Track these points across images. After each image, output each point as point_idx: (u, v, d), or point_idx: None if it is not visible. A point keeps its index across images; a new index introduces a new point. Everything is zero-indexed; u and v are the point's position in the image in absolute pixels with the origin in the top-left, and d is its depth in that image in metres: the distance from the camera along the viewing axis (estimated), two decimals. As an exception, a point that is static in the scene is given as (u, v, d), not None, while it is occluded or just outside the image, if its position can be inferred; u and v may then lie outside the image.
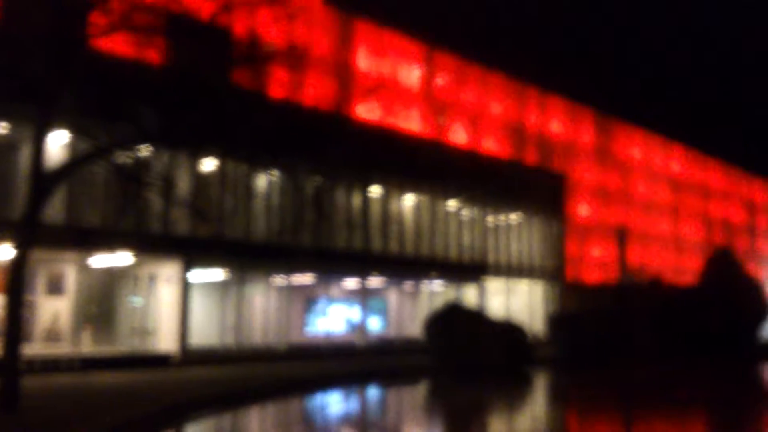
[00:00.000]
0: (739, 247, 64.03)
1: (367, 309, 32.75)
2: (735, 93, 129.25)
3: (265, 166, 19.56)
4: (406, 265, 33.72)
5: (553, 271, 42.63)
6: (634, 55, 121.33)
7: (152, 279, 26.25)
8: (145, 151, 15.46)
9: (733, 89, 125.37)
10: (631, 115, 56.45)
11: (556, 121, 48.10)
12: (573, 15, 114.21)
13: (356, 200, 31.90)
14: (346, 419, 17.36)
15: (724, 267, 37.34)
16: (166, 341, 24.96)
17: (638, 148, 56.61)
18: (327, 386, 21.88)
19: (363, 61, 34.63)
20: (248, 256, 27.18)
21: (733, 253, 41.27)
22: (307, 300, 31.52)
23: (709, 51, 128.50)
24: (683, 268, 58.30)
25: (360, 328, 32.25)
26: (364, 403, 20.94)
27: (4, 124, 21.42)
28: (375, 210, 32.71)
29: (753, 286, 37.04)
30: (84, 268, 25.80)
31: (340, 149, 23.47)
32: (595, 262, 49.26)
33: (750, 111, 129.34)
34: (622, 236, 51.94)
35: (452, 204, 36.76)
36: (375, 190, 32.79)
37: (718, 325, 32.27)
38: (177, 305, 24.86)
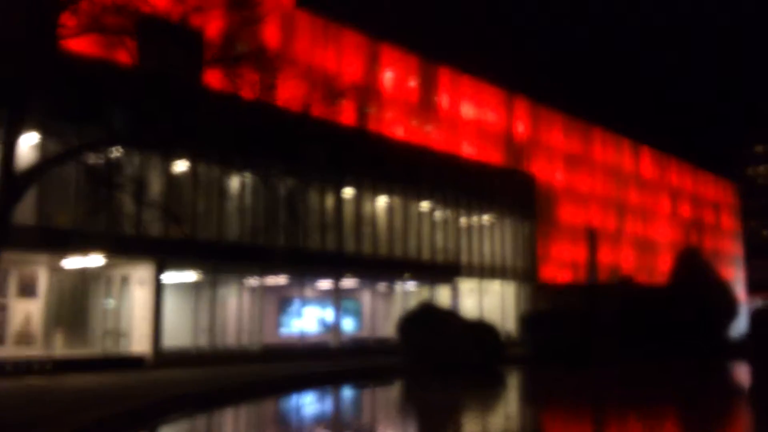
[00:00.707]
0: (707, 247, 65.18)
1: (341, 310, 32.78)
2: (704, 96, 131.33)
3: (238, 167, 19.53)
4: (380, 267, 33.79)
5: (525, 272, 42.96)
6: (606, 58, 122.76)
7: (125, 281, 26.07)
8: (116, 152, 15.35)
9: (704, 93, 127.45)
10: (600, 119, 57.23)
11: (527, 125, 48.63)
12: (546, 20, 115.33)
13: (329, 202, 31.91)
14: (319, 420, 17.40)
15: (692, 266, 37.90)
16: (139, 343, 24.80)
17: (609, 151, 57.35)
18: (301, 387, 21.89)
19: (336, 63, 34.80)
20: (221, 258, 27.09)
21: (700, 253, 41.98)
22: (281, 301, 31.48)
23: (681, 53, 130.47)
24: (653, 268, 59.17)
25: (334, 328, 32.27)
26: (338, 404, 20.99)
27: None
28: (348, 211, 32.76)
29: (721, 284, 37.66)
30: (56, 270, 25.57)
31: (313, 151, 23.54)
32: (567, 263, 49.78)
33: (719, 114, 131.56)
34: (592, 237, 52.59)
35: (425, 205, 36.93)
36: (348, 192, 32.85)
37: (687, 323, 32.70)
38: (150, 307, 24.71)
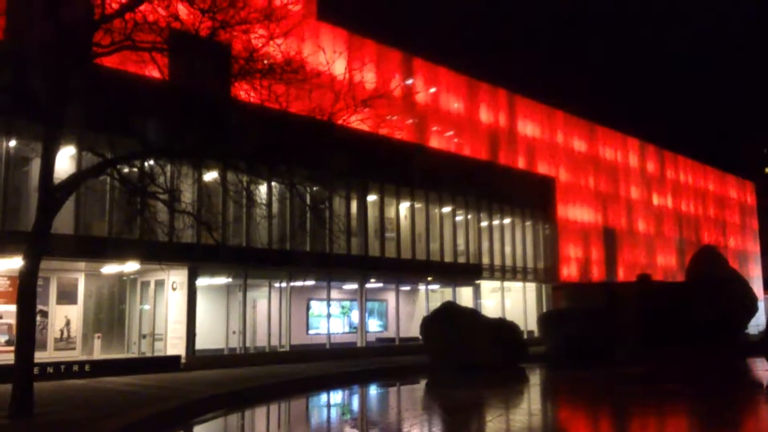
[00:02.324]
0: (725, 245, 64.28)
1: (366, 311, 32.84)
2: (725, 97, 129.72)
3: (265, 175, 19.64)
4: (404, 269, 33.79)
5: (545, 271, 42.74)
6: (615, 63, 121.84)
7: (159, 286, 26.36)
8: (149, 163, 15.54)
9: (724, 94, 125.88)
10: (618, 122, 56.79)
11: (545, 128, 48.37)
12: (560, 25, 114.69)
13: (354, 207, 32.03)
14: (347, 416, 17.43)
15: (710, 264, 37.25)
16: (173, 345, 25.04)
17: (628, 153, 56.81)
18: (330, 385, 21.97)
19: (358, 73, 34.82)
20: (251, 263, 27.28)
21: (718, 250, 41.27)
22: (309, 303, 31.62)
23: (694, 53, 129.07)
24: (670, 266, 58.46)
25: (360, 329, 32.33)
26: (365, 401, 20.98)
27: (14, 140, 21.58)
28: (372, 216, 32.84)
29: (739, 282, 36.89)
30: (94, 277, 25.96)
31: (338, 158, 23.53)
32: (586, 262, 49.37)
33: (739, 114, 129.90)
34: (610, 237, 52.11)
35: (446, 209, 36.90)
36: (372, 197, 32.93)
37: (706, 321, 32.17)
38: (184, 311, 24.95)
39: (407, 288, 36.15)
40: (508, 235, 40.72)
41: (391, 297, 34.94)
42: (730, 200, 71.42)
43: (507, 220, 40.69)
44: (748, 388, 22.36)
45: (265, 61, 14.85)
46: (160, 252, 23.68)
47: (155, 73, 14.72)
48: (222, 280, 27.53)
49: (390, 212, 33.99)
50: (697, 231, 64.10)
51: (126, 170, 15.59)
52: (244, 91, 14.68)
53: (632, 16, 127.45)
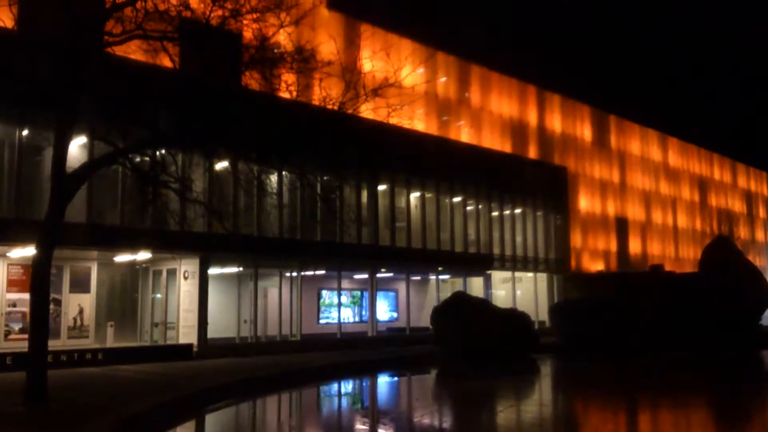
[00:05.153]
0: (739, 237, 63.79)
1: (377, 300, 32.90)
2: (731, 89, 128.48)
3: (276, 165, 19.70)
4: (414, 259, 33.78)
5: (557, 262, 42.62)
6: (633, 51, 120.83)
7: (171, 275, 26.52)
8: (160, 152, 15.61)
9: (730, 85, 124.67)
10: (629, 111, 56.42)
11: (557, 118, 48.13)
12: (571, 14, 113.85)
13: (364, 197, 32.04)
14: (358, 405, 17.53)
15: (723, 254, 36.97)
16: (185, 334, 25.21)
17: (638, 142, 56.47)
18: (341, 374, 22.10)
19: (368, 62, 34.78)
20: (262, 252, 27.38)
21: (731, 241, 40.94)
22: (320, 292, 31.73)
23: (707, 46, 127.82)
24: (682, 257, 58.18)
25: (370, 318, 32.40)
26: (375, 390, 21.08)
27: (26, 129, 21.73)
28: (383, 206, 32.83)
29: (754, 273, 36.60)
30: (106, 266, 26.16)
31: (348, 148, 23.50)
32: (598, 252, 49.22)
33: (747, 106, 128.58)
34: (622, 226, 51.88)
35: (457, 199, 36.84)
36: (382, 187, 32.91)
37: (719, 312, 31.98)
38: (195, 300, 25.10)
39: (418, 278, 36.18)
40: (519, 225, 40.62)
41: (401, 287, 34.99)
42: (745, 191, 70.92)
43: (518, 210, 40.58)
44: (762, 380, 22.28)
45: (276, 50, 14.87)
46: (172, 241, 23.85)
47: (166, 63, 14.76)
48: (233, 269, 27.68)
49: (400, 202, 33.97)
50: (711, 221, 63.69)
51: (138, 159, 15.65)
52: (255, 81, 14.71)
53: (651, 8, 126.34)
